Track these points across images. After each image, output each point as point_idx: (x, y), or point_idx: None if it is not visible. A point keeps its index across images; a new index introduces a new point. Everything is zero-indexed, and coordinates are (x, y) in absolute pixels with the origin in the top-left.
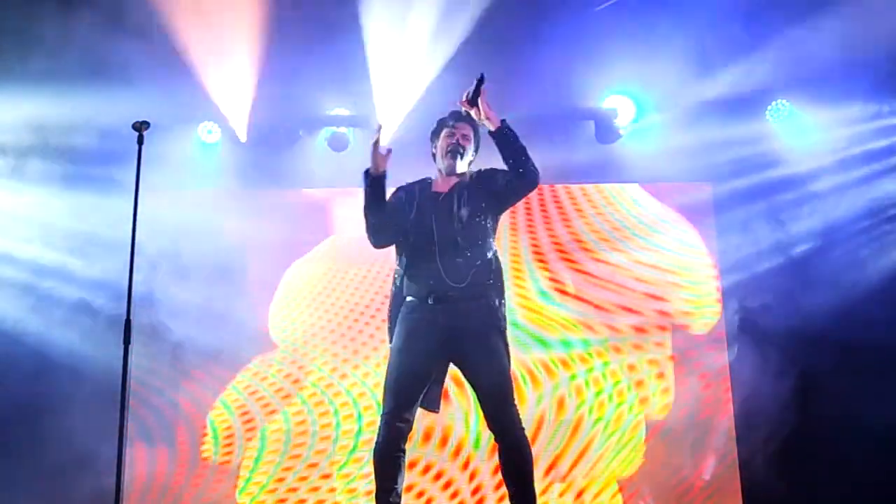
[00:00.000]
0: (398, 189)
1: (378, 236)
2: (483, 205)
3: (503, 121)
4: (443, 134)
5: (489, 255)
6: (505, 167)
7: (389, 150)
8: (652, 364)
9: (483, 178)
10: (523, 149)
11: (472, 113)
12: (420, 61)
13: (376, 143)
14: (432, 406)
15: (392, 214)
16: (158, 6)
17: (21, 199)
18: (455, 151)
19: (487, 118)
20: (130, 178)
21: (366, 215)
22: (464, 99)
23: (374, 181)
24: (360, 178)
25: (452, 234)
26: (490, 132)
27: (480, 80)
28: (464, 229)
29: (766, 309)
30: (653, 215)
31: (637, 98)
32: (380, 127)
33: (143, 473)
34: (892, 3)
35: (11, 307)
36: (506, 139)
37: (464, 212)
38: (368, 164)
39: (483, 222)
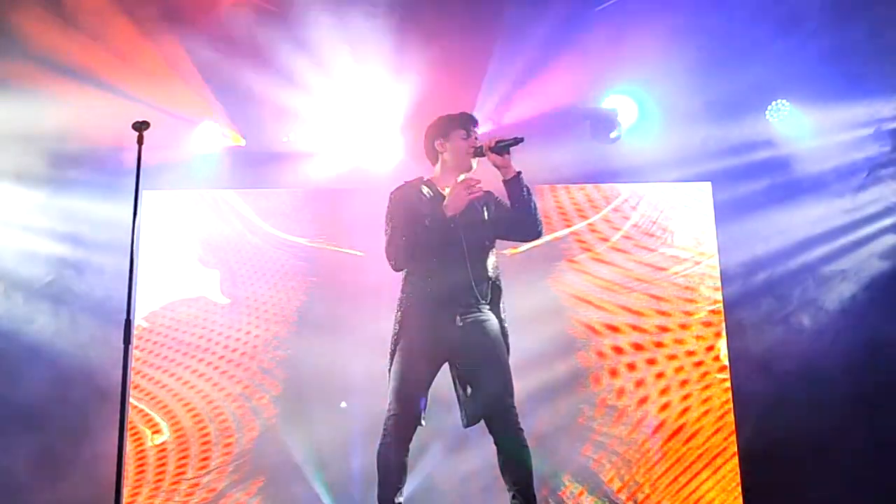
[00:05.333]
0: (403, 191)
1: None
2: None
3: (518, 171)
4: (458, 135)
5: (495, 262)
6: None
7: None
8: (651, 364)
9: (493, 203)
10: (534, 203)
11: (490, 158)
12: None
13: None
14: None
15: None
16: (158, 6)
17: (20, 199)
18: (479, 153)
19: (505, 167)
20: (130, 178)
21: (408, 246)
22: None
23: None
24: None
25: (481, 241)
26: (505, 180)
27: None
28: (488, 239)
29: (766, 307)
30: (653, 215)
31: (637, 98)
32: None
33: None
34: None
35: (11, 308)
36: (519, 187)
37: (490, 218)
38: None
39: (492, 239)
